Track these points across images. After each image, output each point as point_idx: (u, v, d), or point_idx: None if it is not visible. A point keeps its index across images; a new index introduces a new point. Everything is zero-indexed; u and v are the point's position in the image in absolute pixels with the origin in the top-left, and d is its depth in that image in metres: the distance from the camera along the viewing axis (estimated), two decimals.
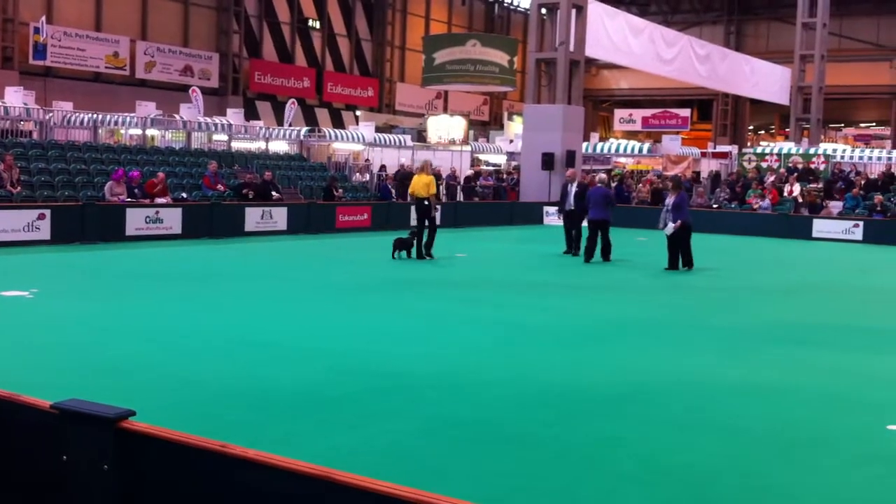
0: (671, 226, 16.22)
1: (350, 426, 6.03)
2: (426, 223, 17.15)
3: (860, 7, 49.72)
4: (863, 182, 29.49)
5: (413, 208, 18.01)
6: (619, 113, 53.40)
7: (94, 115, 27.11)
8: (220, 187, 22.62)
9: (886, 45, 50.39)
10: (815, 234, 26.41)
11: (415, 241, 17.19)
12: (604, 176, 21.10)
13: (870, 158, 33.81)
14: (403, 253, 17.16)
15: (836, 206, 28.29)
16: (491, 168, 38.87)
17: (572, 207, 18.75)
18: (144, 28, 37.82)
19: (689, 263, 16.54)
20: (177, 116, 29.23)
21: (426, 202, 16.90)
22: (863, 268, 19.09)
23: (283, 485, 3.02)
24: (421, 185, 17.05)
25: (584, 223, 18.15)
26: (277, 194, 23.34)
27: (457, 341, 9.22)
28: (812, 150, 34.30)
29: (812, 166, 31.70)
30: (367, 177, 30.27)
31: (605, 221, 17.66)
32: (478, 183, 33.63)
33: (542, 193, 30.04)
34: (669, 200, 16.67)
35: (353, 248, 19.43)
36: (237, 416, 6.20)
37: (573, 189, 18.85)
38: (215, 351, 8.29)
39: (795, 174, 30.69)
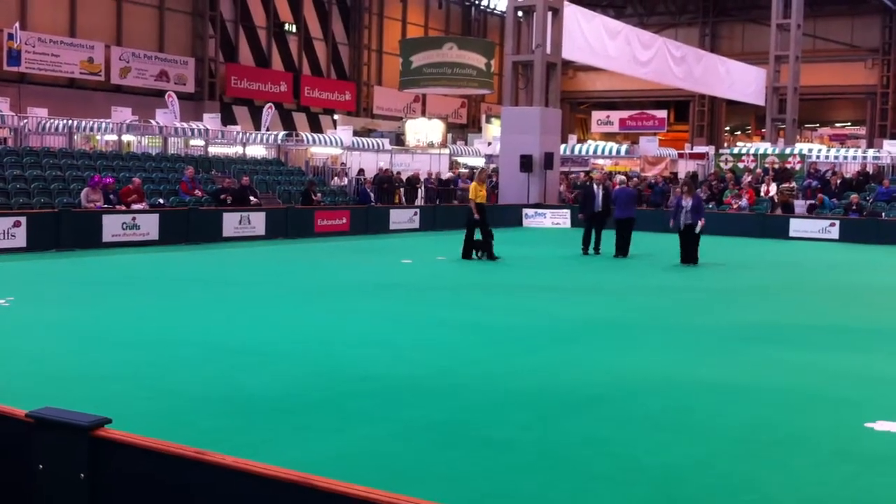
0: (700, 224, 17.47)
1: (328, 431, 6.02)
2: (477, 225, 17.68)
3: (834, 8, 50.16)
4: (838, 181, 29.72)
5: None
6: (597, 115, 53.61)
7: (70, 122, 26.94)
8: (198, 193, 22.52)
9: (860, 45, 50.86)
10: (791, 234, 26.58)
11: (486, 243, 17.75)
12: (623, 177, 21.58)
13: (845, 158, 34.07)
14: (483, 253, 17.80)
15: (799, 204, 28.44)
16: (469, 171, 38.88)
17: (600, 209, 19.21)
18: (119, 33, 37.61)
19: (695, 260, 17.71)
20: (153, 122, 29.08)
21: (475, 206, 17.53)
22: (839, 267, 19.23)
23: (262, 491, 3.01)
24: (470, 189, 17.91)
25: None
26: (255, 199, 23.26)
27: (434, 344, 9.21)
28: (788, 151, 34.54)
29: (788, 166, 31.92)
30: (346, 181, 30.21)
31: (633, 219, 19.17)
32: (456, 186, 33.63)
33: (521, 195, 30.09)
34: (686, 202, 17.73)
35: (332, 253, 19.39)
36: (215, 422, 6.17)
37: (600, 191, 19.14)
38: (193, 357, 8.24)
39: (772, 174, 30.90)
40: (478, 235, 17.88)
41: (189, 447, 3.26)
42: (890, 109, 50.84)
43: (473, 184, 18.18)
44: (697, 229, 17.51)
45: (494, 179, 18.90)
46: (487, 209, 17.90)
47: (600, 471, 5.37)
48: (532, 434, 6.06)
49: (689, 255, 17.77)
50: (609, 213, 19.22)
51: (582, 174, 35.40)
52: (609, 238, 19.26)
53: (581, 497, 5.00)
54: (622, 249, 18.95)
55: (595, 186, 19.38)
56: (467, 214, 18.02)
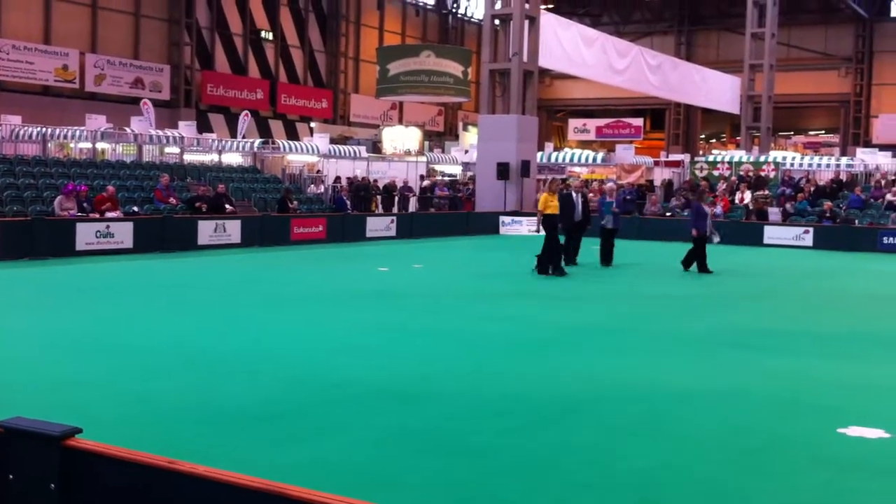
0: (716, 237, 18.28)
1: (304, 439, 5.97)
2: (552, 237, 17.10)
3: (808, 17, 50.67)
4: (812, 189, 29.98)
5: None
6: (574, 122, 53.80)
7: (43, 129, 26.74)
8: (173, 200, 22.39)
9: (834, 54, 51.38)
10: (766, 241, 26.77)
11: (561, 254, 17.19)
12: (612, 185, 21.61)
13: (819, 166, 34.38)
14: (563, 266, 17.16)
15: (774, 211, 28.66)
16: (446, 178, 38.94)
17: (580, 218, 18.79)
18: (94, 40, 37.38)
19: (687, 264, 18.01)
20: (128, 129, 28.94)
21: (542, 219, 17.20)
22: (815, 273, 19.38)
23: (234, 501, 2.98)
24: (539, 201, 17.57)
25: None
26: (231, 207, 23.15)
27: (412, 352, 9.18)
28: (762, 158, 34.83)
29: (762, 174, 32.17)
30: (322, 188, 30.15)
31: (618, 228, 19.53)
32: (433, 193, 33.66)
33: (498, 203, 30.14)
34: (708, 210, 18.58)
35: (308, 260, 19.32)
36: (189, 431, 6.11)
37: (579, 200, 19.02)
38: (166, 366, 8.17)
39: (746, 182, 31.12)
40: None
41: (161, 457, 3.22)
42: (863, 118, 51.37)
43: (544, 195, 17.56)
44: (715, 240, 18.12)
45: (566, 191, 18.32)
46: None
47: (580, 478, 5.36)
48: (511, 441, 6.05)
49: (700, 262, 17.89)
50: (589, 222, 19.00)
51: (560, 181, 35.52)
52: (586, 246, 19.26)
53: (561, 503, 5.00)
54: (608, 258, 18.94)
55: (574, 195, 19.23)
56: (545, 228, 17.17)
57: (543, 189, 17.89)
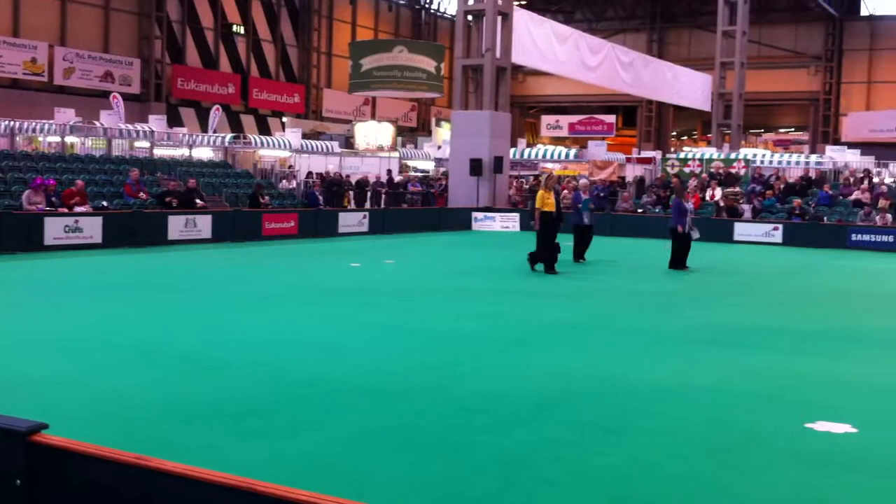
0: (679, 228, 17.75)
1: (276, 437, 5.93)
2: (548, 235, 16.78)
3: (778, 15, 51.12)
4: (782, 186, 30.24)
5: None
6: (546, 119, 53.97)
7: (11, 123, 26.45)
8: (142, 195, 22.21)
9: (804, 52, 51.87)
10: (736, 238, 26.96)
11: (555, 254, 16.85)
12: (586, 181, 21.58)
13: (788, 163, 34.68)
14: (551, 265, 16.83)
15: (746, 208, 28.89)
16: (419, 174, 38.92)
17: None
18: (63, 33, 37.02)
19: (673, 265, 17.96)
20: (97, 123, 28.69)
21: (549, 216, 16.73)
22: (785, 270, 19.54)
23: (202, 496, 2.95)
24: (536, 198, 17.13)
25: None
26: (201, 202, 22.99)
27: (384, 348, 9.15)
28: (733, 155, 35.08)
29: (733, 171, 32.40)
30: (294, 184, 30.03)
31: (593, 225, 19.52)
32: (406, 189, 33.63)
33: (471, 199, 30.15)
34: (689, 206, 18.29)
35: (279, 256, 19.24)
36: (158, 428, 6.05)
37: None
38: (135, 362, 8.10)
39: (717, 179, 31.33)
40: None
41: (128, 452, 3.19)
42: (832, 115, 51.90)
43: (540, 192, 17.15)
44: (695, 235, 17.92)
45: (559, 187, 17.91)
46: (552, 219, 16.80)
47: (552, 475, 5.36)
48: (483, 438, 6.04)
49: (673, 259, 17.96)
50: (561, 219, 18.85)
51: (532, 178, 35.61)
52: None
53: (533, 501, 4.99)
54: (582, 254, 19.02)
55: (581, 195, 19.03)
56: (543, 223, 16.78)
57: (539, 186, 17.55)
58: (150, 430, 5.98)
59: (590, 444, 5.97)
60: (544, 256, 16.68)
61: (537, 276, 16.48)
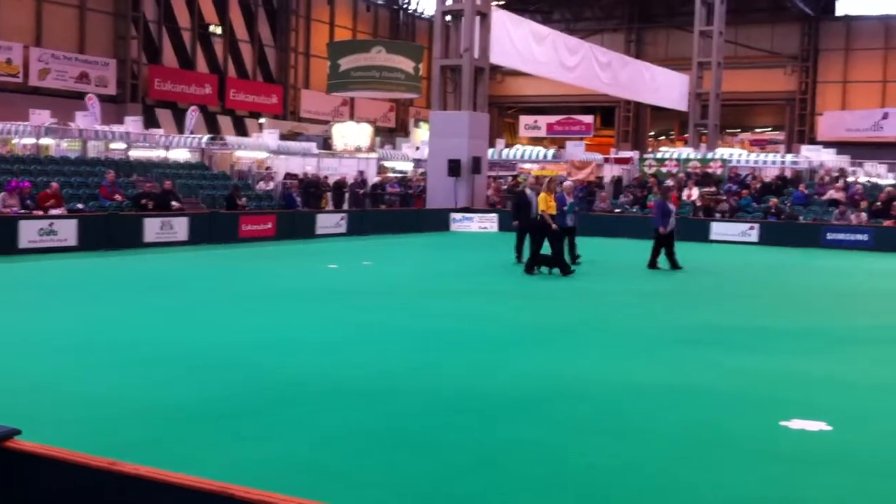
0: (661, 229, 17.81)
1: (257, 439, 5.91)
2: (547, 238, 16.60)
3: (755, 16, 51.41)
4: (758, 186, 30.43)
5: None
6: (525, 119, 54.06)
7: None
8: (118, 197, 22.06)
9: (780, 52, 52.21)
10: (712, 237, 27.10)
11: (556, 257, 16.61)
12: (569, 183, 21.49)
13: (765, 163, 34.91)
14: (544, 268, 16.66)
15: (725, 208, 29.07)
16: (398, 175, 38.87)
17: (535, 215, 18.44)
18: (39, 34, 36.70)
19: (653, 265, 18.01)
20: (72, 125, 28.46)
21: (539, 217, 16.65)
22: (762, 269, 19.66)
23: (178, 501, 2.94)
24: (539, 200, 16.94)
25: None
26: (178, 204, 22.86)
27: (365, 349, 9.14)
28: (710, 155, 35.26)
29: (710, 171, 32.58)
30: (272, 185, 29.92)
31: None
32: (384, 190, 33.58)
33: (449, 200, 30.14)
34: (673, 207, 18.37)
35: (256, 258, 19.16)
36: (135, 432, 6.01)
37: (535, 198, 18.58)
38: (111, 365, 8.04)
39: (694, 179, 31.48)
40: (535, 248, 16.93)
41: (103, 458, 3.17)
42: (808, 115, 52.27)
43: (542, 194, 17.02)
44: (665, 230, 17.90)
45: (559, 191, 17.61)
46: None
47: (533, 474, 5.37)
48: (465, 438, 6.04)
49: (651, 258, 18.03)
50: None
51: (511, 178, 35.65)
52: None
53: (515, 501, 5.00)
54: (574, 257, 18.57)
55: (529, 193, 18.98)
56: (537, 227, 16.68)
57: (542, 189, 17.36)
58: (127, 435, 5.94)
59: (571, 445, 5.98)
60: (556, 259, 16.46)
61: (516, 277, 16.50)
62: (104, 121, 30.81)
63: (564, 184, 20.62)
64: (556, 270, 16.49)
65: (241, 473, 5.13)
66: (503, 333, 10.40)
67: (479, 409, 6.82)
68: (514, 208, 19.10)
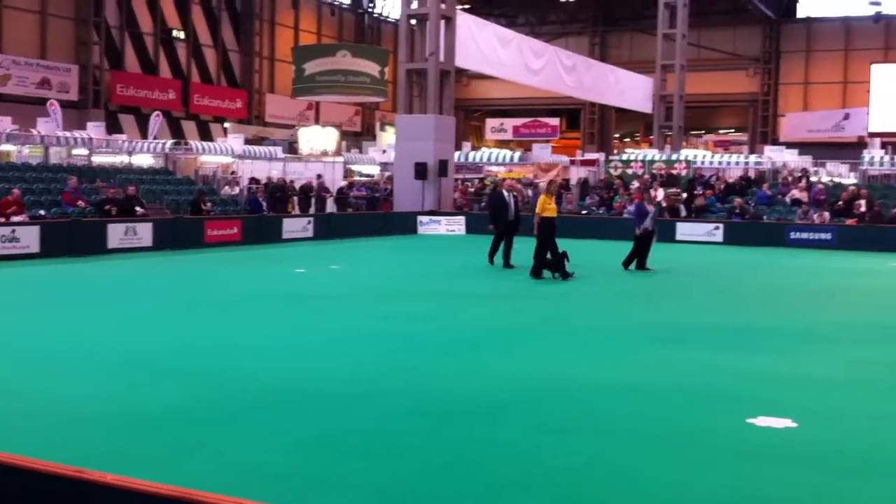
0: (637, 230, 18.00)
1: (224, 446, 5.85)
2: (546, 241, 16.32)
3: (717, 18, 51.91)
4: (722, 186, 30.70)
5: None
6: (491, 122, 54.21)
7: None
8: (81, 203, 21.83)
9: (743, 54, 52.77)
10: (678, 237, 27.28)
11: (561, 260, 16.19)
12: (544, 186, 21.37)
13: (728, 163, 35.24)
14: (557, 273, 16.20)
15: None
16: (364, 179, 38.79)
17: (513, 218, 18.07)
18: None
19: (627, 264, 18.08)
20: (34, 131, 28.13)
21: (551, 221, 16.36)
22: (730, 268, 19.82)
23: None
24: (538, 203, 16.67)
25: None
26: (141, 209, 22.66)
27: (333, 353, 9.09)
28: (674, 157, 35.53)
29: (674, 172, 32.83)
30: (237, 190, 29.74)
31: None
32: (351, 194, 33.49)
33: (416, 203, 30.13)
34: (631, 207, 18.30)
35: (222, 263, 19.02)
36: (101, 441, 5.94)
37: (512, 200, 18.42)
38: (76, 373, 7.94)
39: (659, 180, 31.71)
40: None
41: (68, 466, 3.13)
42: (770, 116, 52.87)
43: (542, 197, 16.74)
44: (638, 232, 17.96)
45: (498, 191, 17.31)
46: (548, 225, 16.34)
47: (504, 476, 5.36)
48: (436, 441, 6.02)
49: (629, 260, 18.11)
50: (519, 222, 18.39)
51: (477, 181, 35.69)
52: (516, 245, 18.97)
53: (490, 502, 4.99)
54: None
55: (506, 194, 18.59)
56: (542, 230, 16.30)
57: (542, 191, 17.13)
58: (93, 443, 5.86)
59: (544, 445, 5.98)
60: (553, 262, 16.21)
61: (487, 279, 16.51)
62: (66, 127, 30.47)
63: (540, 185, 20.56)
64: (557, 274, 16.20)
65: (209, 481, 5.09)
66: (474, 336, 10.39)
67: (452, 411, 6.81)
68: (491, 211, 18.78)
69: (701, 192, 30.03)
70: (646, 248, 18.18)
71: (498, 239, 18.32)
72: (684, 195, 29.86)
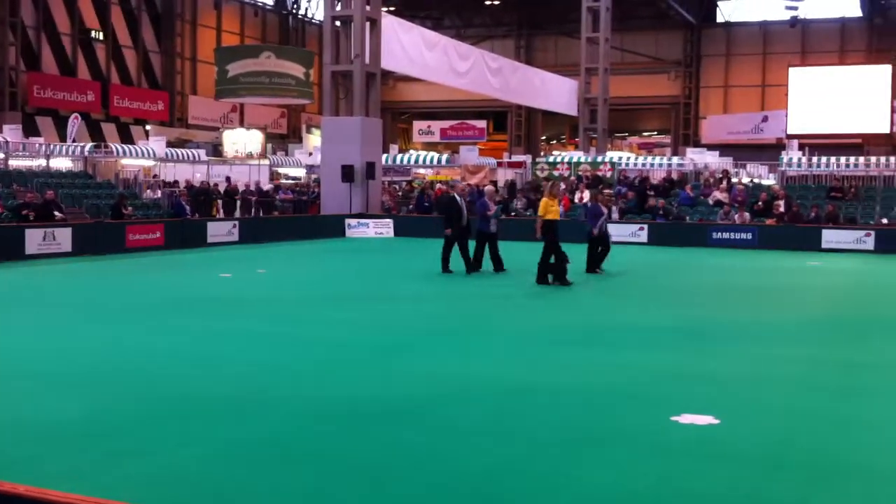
0: (593, 231, 18.00)
1: (140, 454, 5.71)
2: (552, 245, 15.93)
3: (639, 23, 52.76)
4: (647, 188, 31.17)
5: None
6: (418, 125, 54.31)
7: None
8: None
9: (664, 58, 53.76)
10: None
11: (563, 266, 15.90)
12: (491, 187, 21.21)
13: (652, 165, 35.83)
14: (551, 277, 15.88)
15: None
16: (291, 182, 38.51)
17: (466, 223, 17.69)
18: None
19: (591, 267, 18.05)
20: None
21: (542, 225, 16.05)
22: (650, 268, 20.11)
23: None
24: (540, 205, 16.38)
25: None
26: (60, 214, 22.12)
27: (253, 360, 8.96)
28: (599, 159, 35.99)
29: (600, 174, 33.25)
30: (159, 193, 29.24)
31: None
32: (277, 197, 33.20)
33: (344, 206, 29.98)
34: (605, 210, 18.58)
35: (144, 268, 18.67)
36: (15, 451, 5.75)
37: (464, 205, 18.01)
38: None
39: (585, 182, 32.07)
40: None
41: None
42: (692, 119, 53.91)
43: (544, 199, 16.33)
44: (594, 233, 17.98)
45: (450, 195, 16.86)
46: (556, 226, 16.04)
47: (420, 479, 5.34)
48: (351, 445, 5.97)
49: (588, 262, 18.05)
50: (470, 229, 17.92)
51: (406, 183, 35.69)
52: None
53: None
54: (478, 262, 18.03)
55: (458, 198, 18.05)
56: (545, 234, 15.99)
57: (544, 194, 16.77)
58: (10, 453, 5.68)
59: (460, 447, 5.97)
60: (556, 267, 15.96)
61: (413, 282, 16.47)
62: None
63: (486, 189, 20.40)
64: (556, 280, 15.96)
65: (123, 490, 4.99)
66: (395, 338, 10.36)
67: (369, 415, 6.76)
68: (445, 216, 18.28)
69: (625, 194, 30.44)
70: (603, 250, 18.19)
71: (450, 244, 17.76)
72: (631, 194, 30.20)
